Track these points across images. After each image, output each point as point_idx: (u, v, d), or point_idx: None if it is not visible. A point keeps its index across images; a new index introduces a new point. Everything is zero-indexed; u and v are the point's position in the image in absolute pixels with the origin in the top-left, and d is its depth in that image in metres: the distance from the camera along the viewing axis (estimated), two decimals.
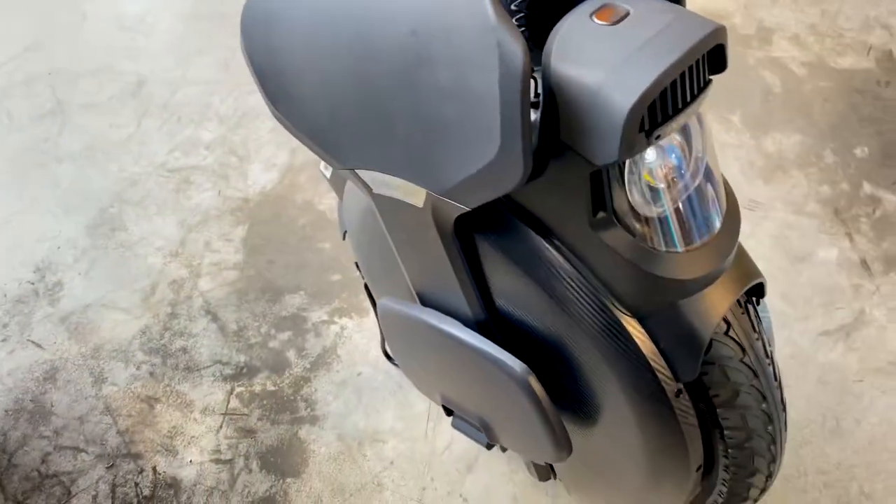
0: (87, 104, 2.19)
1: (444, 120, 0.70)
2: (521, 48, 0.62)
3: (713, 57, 0.68)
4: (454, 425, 1.13)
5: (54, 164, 2.04)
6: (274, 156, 2.00)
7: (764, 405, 0.87)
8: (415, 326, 1.01)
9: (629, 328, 0.81)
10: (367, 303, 1.68)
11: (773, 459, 0.92)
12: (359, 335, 1.64)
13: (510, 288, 0.88)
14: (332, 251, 1.78)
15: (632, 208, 0.75)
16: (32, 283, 1.78)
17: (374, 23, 0.72)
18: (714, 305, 0.80)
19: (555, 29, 0.69)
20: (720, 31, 0.67)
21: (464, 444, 1.46)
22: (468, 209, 0.76)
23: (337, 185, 1.16)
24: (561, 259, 0.80)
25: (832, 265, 1.71)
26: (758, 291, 0.87)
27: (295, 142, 1.99)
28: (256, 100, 2.14)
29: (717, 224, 0.79)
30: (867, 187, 1.86)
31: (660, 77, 0.63)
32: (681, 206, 0.77)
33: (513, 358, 0.87)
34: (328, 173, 1.18)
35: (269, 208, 1.88)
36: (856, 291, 1.66)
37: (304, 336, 1.64)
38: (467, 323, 0.93)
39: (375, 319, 1.63)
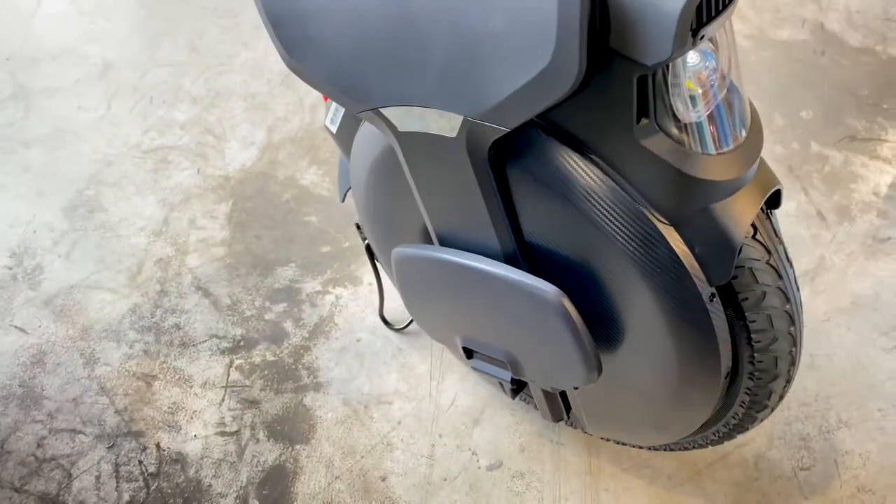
0: (52, 88, 2.05)
1: (489, 33, 0.68)
2: None
3: None
4: (474, 366, 1.09)
5: (22, 148, 1.90)
6: (251, 134, 1.91)
7: (787, 306, 0.87)
8: (435, 268, 0.97)
9: (666, 235, 0.80)
10: (360, 272, 1.63)
11: (793, 362, 0.92)
12: (354, 303, 1.58)
13: (541, 213, 0.86)
14: (319, 224, 1.72)
15: (673, 114, 0.75)
16: (10, 269, 1.65)
17: None
18: (744, 209, 0.80)
19: None
20: None
21: (468, 400, 1.42)
22: (507, 130, 0.74)
23: (344, 139, 1.11)
24: (599, 173, 0.79)
25: (791, 217, 1.75)
26: (774, 202, 0.87)
27: (271, 120, 1.93)
28: (228, 80, 2.04)
29: (744, 133, 0.80)
30: (815, 146, 1.90)
31: None
32: (713, 111, 0.77)
33: (545, 282, 0.86)
34: (334, 128, 1.12)
35: (251, 185, 1.80)
36: (815, 240, 1.70)
37: (299, 307, 1.58)
38: (494, 257, 0.91)
39: (374, 285, 1.58)
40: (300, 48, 0.82)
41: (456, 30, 0.70)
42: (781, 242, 0.88)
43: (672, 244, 0.80)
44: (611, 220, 0.80)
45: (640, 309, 0.88)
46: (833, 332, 1.54)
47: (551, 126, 0.80)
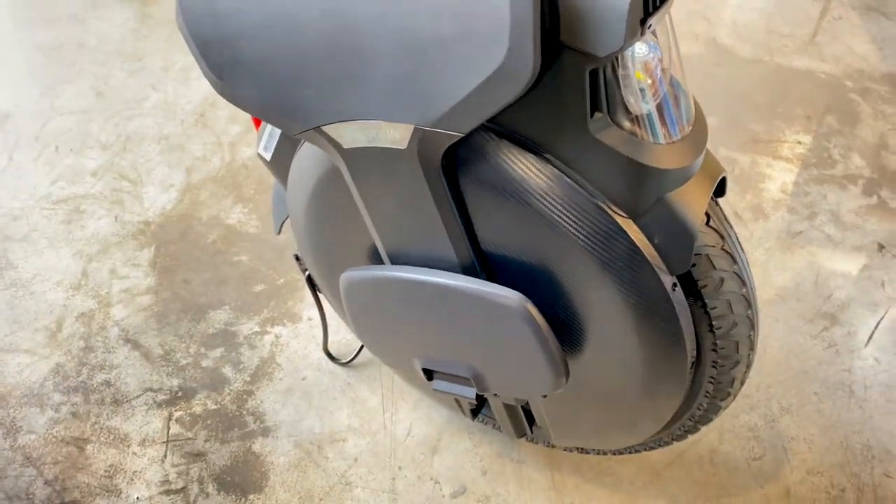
0: None
1: (438, 37, 0.66)
2: None
3: None
4: (436, 388, 1.05)
5: None
6: (168, 176, 1.81)
7: (744, 290, 0.88)
8: (389, 289, 0.93)
9: (625, 228, 0.79)
10: (298, 308, 1.56)
11: (752, 347, 0.93)
12: (295, 341, 1.51)
13: (498, 219, 0.84)
14: (250, 263, 1.64)
15: (624, 107, 0.74)
16: None
17: None
18: (697, 197, 0.81)
19: None
20: None
21: (424, 429, 1.38)
22: (462, 135, 0.72)
23: (280, 166, 1.06)
24: (555, 172, 0.78)
25: None
26: (720, 190, 0.89)
27: (189, 160, 1.84)
28: (139, 123, 1.94)
29: (690, 123, 0.81)
30: (723, 150, 1.99)
31: None
32: (661, 102, 0.78)
33: (507, 289, 0.84)
34: (269, 155, 1.07)
35: (173, 228, 1.70)
36: None
37: (237, 350, 1.49)
38: (451, 269, 0.88)
39: (314, 320, 1.51)
40: (231, 72, 0.78)
41: (402, 36, 0.68)
42: (732, 228, 0.90)
43: (632, 236, 0.80)
44: (569, 219, 0.79)
45: (604, 306, 0.87)
46: (764, 325, 1.58)
47: (503, 129, 0.78)
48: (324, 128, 0.79)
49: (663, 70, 0.78)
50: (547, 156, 0.78)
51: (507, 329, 0.87)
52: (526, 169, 0.78)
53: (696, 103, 0.84)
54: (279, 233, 1.19)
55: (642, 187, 0.78)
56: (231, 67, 0.78)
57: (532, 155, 0.78)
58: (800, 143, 2.04)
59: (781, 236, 1.78)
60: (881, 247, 1.78)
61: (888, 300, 1.67)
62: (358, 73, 0.72)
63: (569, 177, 0.78)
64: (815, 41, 2.41)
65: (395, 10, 0.67)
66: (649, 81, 0.76)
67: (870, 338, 1.58)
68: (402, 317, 0.97)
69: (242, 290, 1.59)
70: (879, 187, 1.93)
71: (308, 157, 0.96)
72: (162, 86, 2.06)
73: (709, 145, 0.83)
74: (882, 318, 1.62)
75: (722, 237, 0.86)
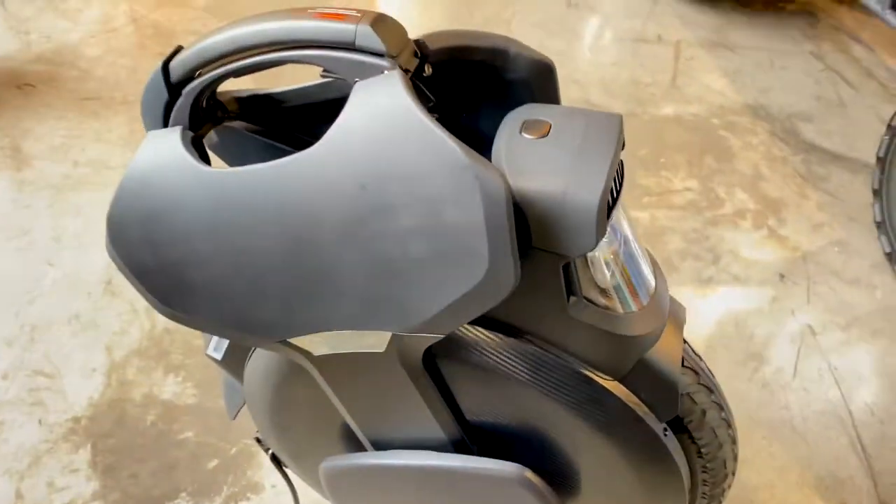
0: None
1: (412, 259, 0.67)
2: (499, 177, 0.63)
3: None
4: None
5: None
6: (89, 360, 1.72)
7: (723, 414, 0.95)
8: (381, 475, 0.94)
9: (614, 391, 0.83)
10: (258, 476, 1.51)
11: (735, 457, 1.02)
12: None
13: (487, 396, 0.87)
14: (197, 438, 1.58)
15: (594, 283, 0.78)
16: None
17: (310, 187, 0.67)
18: (672, 349, 0.86)
19: (494, 153, 0.71)
20: (622, 119, 0.74)
21: None
22: (442, 336, 0.73)
23: (233, 365, 1.04)
24: (539, 351, 0.81)
25: None
26: None
27: (107, 337, 1.77)
28: (42, 307, 1.84)
29: (654, 282, 0.86)
30: None
31: (609, 170, 0.67)
32: (627, 273, 0.82)
33: (503, 462, 0.86)
34: (219, 355, 1.04)
35: (106, 419, 1.61)
36: None
37: None
38: (440, 447, 0.90)
39: (277, 486, 1.48)
40: (179, 297, 0.75)
41: (372, 258, 0.68)
42: (702, 359, 0.96)
43: (621, 397, 0.84)
44: (558, 390, 0.83)
45: (602, 459, 0.92)
46: None
47: (483, 317, 0.80)
48: (290, 339, 0.78)
49: (623, 236, 0.83)
50: (528, 336, 0.81)
51: (508, 498, 0.89)
52: (510, 352, 0.81)
53: (651, 257, 0.89)
54: (234, 419, 1.16)
55: (624, 354, 0.82)
56: (177, 293, 0.75)
57: (514, 338, 0.80)
58: (688, 189, 2.18)
59: (695, 286, 1.90)
60: (782, 276, 1.93)
61: (800, 327, 1.81)
62: (325, 290, 0.71)
63: (552, 353, 0.81)
64: (676, 84, 2.60)
65: (364, 240, 0.67)
66: (612, 258, 0.81)
67: (795, 369, 1.71)
68: (397, 498, 0.98)
69: (196, 471, 1.52)
70: (766, 217, 2.10)
71: (267, 356, 0.94)
72: (58, 259, 1.96)
73: None
74: (800, 348, 1.76)
75: (697, 373, 0.92)
